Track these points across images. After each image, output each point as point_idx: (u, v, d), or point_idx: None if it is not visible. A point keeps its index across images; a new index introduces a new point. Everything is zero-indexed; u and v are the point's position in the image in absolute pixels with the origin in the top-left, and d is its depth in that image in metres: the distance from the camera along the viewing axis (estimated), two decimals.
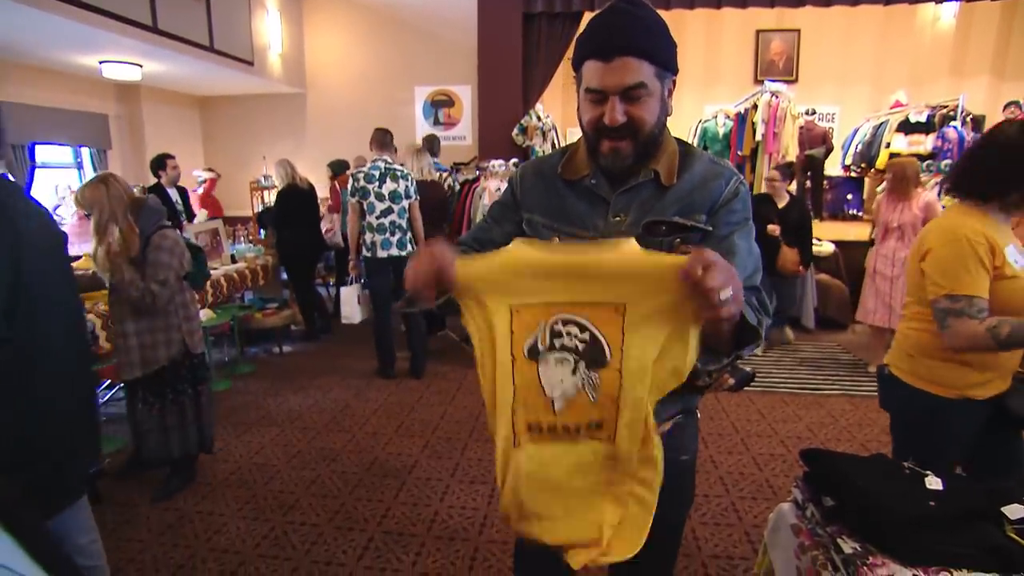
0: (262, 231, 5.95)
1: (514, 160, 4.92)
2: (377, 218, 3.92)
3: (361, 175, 3.92)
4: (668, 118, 1.03)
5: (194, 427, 2.62)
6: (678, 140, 1.08)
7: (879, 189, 5.49)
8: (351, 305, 4.20)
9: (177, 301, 2.50)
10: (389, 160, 3.99)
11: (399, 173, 3.96)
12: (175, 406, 2.54)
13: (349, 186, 3.99)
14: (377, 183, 3.89)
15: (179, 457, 2.62)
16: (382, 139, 4.04)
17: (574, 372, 0.89)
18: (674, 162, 1.03)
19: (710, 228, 1.00)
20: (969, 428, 1.62)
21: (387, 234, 3.95)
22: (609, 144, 0.98)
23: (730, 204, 1.01)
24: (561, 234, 1.06)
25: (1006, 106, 5.49)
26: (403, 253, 4.00)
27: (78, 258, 3.24)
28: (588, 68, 0.96)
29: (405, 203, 3.97)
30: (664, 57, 0.96)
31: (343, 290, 4.28)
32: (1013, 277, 1.48)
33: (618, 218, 1.02)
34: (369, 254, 3.99)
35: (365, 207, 3.92)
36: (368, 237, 3.96)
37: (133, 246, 2.33)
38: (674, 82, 1.01)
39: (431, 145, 5.43)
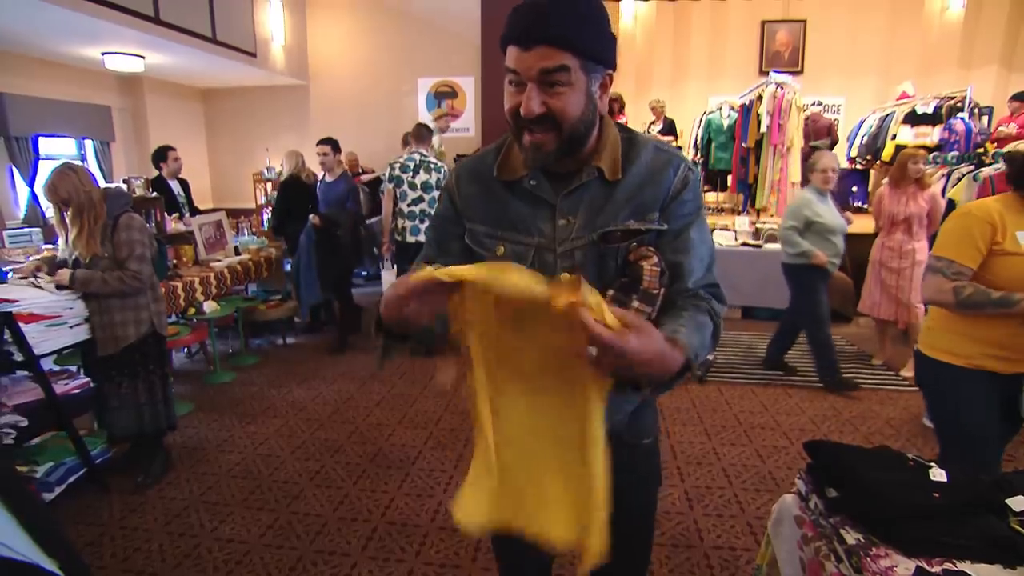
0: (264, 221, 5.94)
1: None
2: (408, 206, 4.29)
3: (397, 165, 4.31)
4: (599, 115, 0.95)
5: (161, 404, 2.70)
6: (620, 126, 1.03)
7: (884, 181, 5.45)
8: None
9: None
10: (424, 153, 4.34)
11: (432, 166, 4.32)
12: (145, 384, 2.62)
13: (386, 174, 4.35)
14: (411, 173, 4.28)
15: (150, 432, 2.68)
16: (419, 133, 4.38)
17: None
18: (617, 154, 0.98)
19: (664, 227, 0.98)
20: (985, 399, 1.70)
21: (416, 221, 4.30)
22: (529, 138, 0.91)
23: (680, 195, 0.98)
24: (505, 242, 1.02)
25: (1011, 99, 5.40)
26: None
27: None
28: (509, 53, 0.89)
29: (435, 193, 4.28)
30: (593, 48, 0.88)
31: (384, 275, 4.58)
32: (1014, 254, 1.62)
33: (565, 221, 0.98)
34: (399, 239, 4.35)
35: (398, 195, 4.29)
36: (399, 223, 4.34)
37: (105, 227, 2.47)
38: (610, 77, 0.94)
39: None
